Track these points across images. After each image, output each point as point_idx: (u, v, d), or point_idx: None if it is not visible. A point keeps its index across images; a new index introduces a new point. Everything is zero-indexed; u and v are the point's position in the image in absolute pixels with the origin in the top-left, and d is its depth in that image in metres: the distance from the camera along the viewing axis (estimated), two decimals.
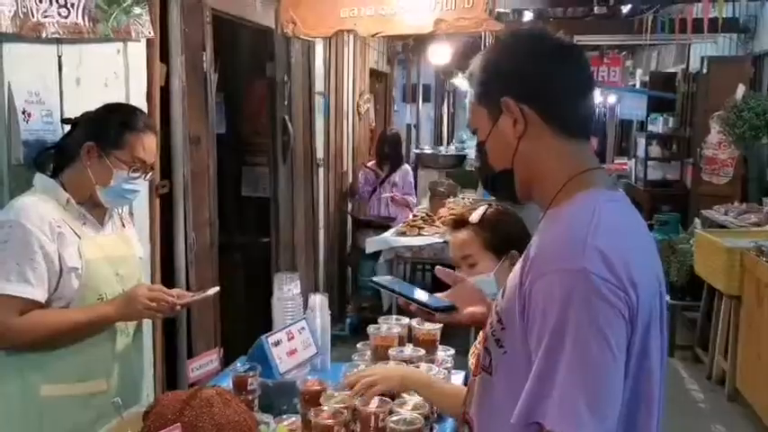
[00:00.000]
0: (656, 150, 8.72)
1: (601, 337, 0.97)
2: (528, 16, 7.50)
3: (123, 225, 2.08)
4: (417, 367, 2.13)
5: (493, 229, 1.83)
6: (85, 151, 1.88)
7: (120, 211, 2.09)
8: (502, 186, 1.22)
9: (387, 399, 1.82)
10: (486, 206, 1.90)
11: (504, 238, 1.82)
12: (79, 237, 1.86)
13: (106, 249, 1.94)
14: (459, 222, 1.92)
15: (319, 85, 5.20)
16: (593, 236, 1.01)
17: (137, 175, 1.93)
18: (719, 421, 4.25)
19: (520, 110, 1.13)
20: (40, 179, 1.92)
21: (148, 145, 1.95)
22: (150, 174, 2.01)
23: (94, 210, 1.95)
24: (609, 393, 0.98)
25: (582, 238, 1.01)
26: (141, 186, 2.00)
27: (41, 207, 1.81)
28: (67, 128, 2.09)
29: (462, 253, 1.88)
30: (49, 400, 1.82)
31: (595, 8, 6.81)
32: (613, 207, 1.10)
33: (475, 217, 1.87)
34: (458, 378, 2.16)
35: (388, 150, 6.09)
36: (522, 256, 1.12)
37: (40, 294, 1.77)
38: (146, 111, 2.67)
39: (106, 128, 1.91)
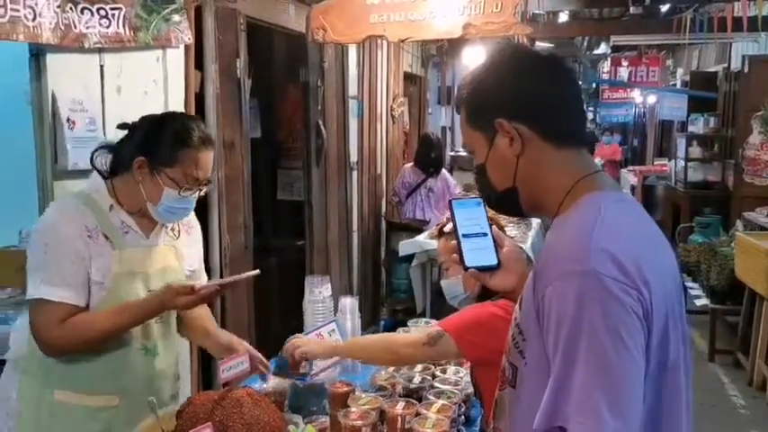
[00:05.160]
0: (696, 151, 8.52)
1: (616, 338, 0.97)
2: (563, 17, 7.44)
3: (177, 236, 1.97)
4: (444, 369, 2.15)
5: None
6: (137, 166, 1.79)
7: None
8: (507, 204, 1.22)
9: (413, 401, 1.85)
10: None
11: None
12: (113, 247, 1.80)
13: (145, 263, 1.86)
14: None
15: (353, 89, 5.23)
16: (597, 236, 1.02)
17: (187, 194, 1.82)
18: (760, 427, 4.17)
19: (515, 129, 1.13)
20: (93, 180, 1.86)
21: (204, 161, 1.83)
22: (205, 189, 1.89)
23: (144, 219, 1.87)
24: (628, 393, 0.97)
25: (587, 240, 1.02)
26: (194, 202, 1.88)
27: (80, 213, 1.79)
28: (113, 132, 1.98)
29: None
30: (60, 405, 1.81)
31: (631, 8, 6.70)
32: (620, 207, 1.10)
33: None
34: None
35: (435, 155, 6.07)
36: (534, 267, 1.12)
37: (81, 299, 1.76)
38: None
39: (158, 143, 1.80)
